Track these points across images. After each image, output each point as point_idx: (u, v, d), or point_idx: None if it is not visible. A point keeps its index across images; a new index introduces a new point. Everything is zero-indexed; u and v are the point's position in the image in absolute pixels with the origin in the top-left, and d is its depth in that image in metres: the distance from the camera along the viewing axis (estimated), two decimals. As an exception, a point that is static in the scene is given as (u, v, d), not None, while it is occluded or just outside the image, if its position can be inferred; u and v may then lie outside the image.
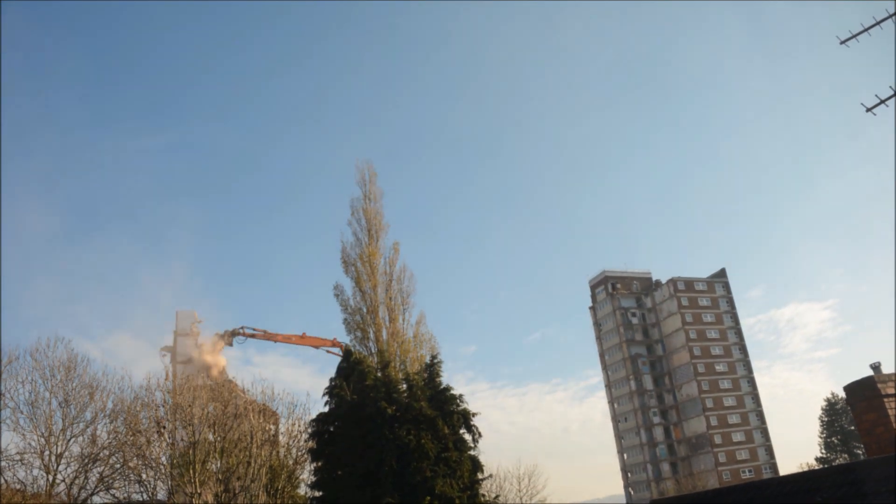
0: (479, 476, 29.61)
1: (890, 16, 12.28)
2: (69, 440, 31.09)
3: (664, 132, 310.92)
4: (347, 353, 31.24)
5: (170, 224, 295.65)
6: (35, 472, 30.40)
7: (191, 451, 29.50)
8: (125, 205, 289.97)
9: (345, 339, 38.43)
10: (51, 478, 30.21)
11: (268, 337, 68.16)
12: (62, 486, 30.71)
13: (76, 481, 31.02)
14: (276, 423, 34.52)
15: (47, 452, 30.29)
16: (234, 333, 67.47)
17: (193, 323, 67.16)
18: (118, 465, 31.67)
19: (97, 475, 31.56)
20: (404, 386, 29.81)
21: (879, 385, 12.01)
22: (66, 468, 31.09)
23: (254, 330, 68.47)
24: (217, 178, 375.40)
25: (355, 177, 39.80)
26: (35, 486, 30.29)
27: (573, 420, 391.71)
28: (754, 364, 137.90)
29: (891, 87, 12.00)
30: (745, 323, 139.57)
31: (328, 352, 67.86)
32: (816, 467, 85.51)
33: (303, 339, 68.41)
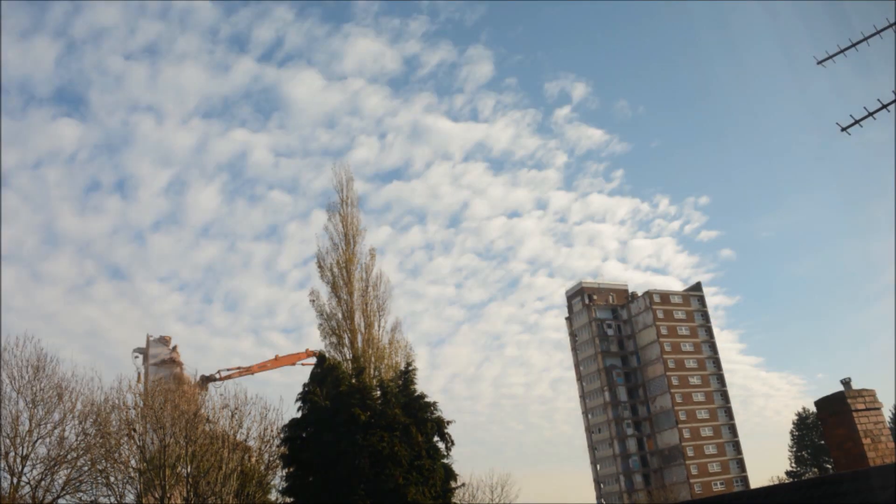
0: (452, 484, 29.58)
1: (866, 38, 12.50)
2: (35, 441, 30.53)
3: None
4: (321, 359, 31.09)
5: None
6: (-2, 473, 29.84)
7: (161, 454, 29.17)
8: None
9: (318, 345, 38.26)
10: (15, 480, 29.65)
11: (245, 372, 66.87)
12: (27, 489, 30.15)
13: (42, 483, 30.47)
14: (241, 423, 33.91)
15: (12, 454, 29.73)
16: (209, 379, 65.22)
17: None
18: (86, 468, 31.19)
19: (64, 477, 31.05)
20: (378, 392, 29.72)
21: (849, 400, 12.18)
22: (31, 470, 30.51)
23: (228, 370, 66.97)
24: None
25: (332, 181, 39.72)
26: (-1, 488, 29.73)
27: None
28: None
29: (865, 107, 12.20)
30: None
31: (303, 364, 67.12)
32: (787, 481, 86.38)
33: (277, 362, 67.51)
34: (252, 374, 66.88)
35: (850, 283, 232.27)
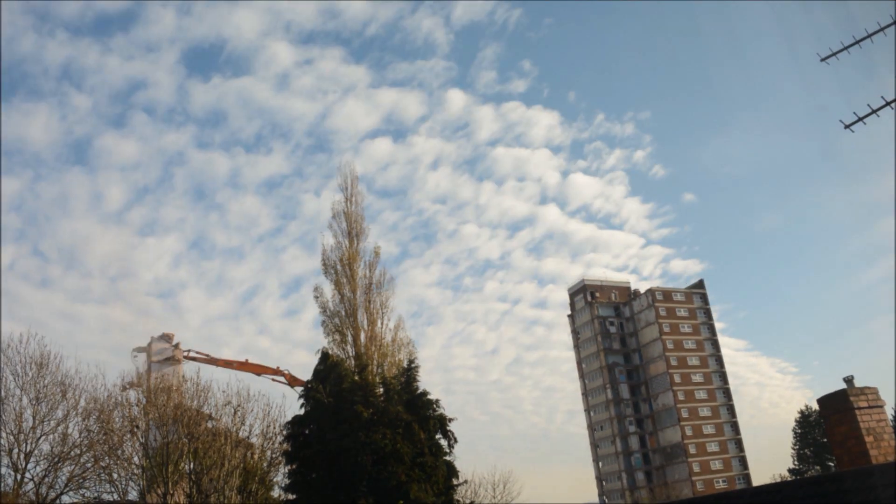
0: (455, 482, 29.64)
1: (869, 35, 12.49)
2: (39, 438, 30.61)
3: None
4: (325, 356, 31.14)
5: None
6: (3, 470, 29.93)
7: (163, 451, 29.24)
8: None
9: (321, 343, 38.39)
10: (19, 476, 29.74)
11: (210, 361, 67.07)
12: (31, 486, 30.25)
13: (45, 480, 30.56)
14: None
15: (16, 451, 29.81)
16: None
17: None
18: (89, 465, 31.25)
19: (67, 474, 31.13)
20: (381, 389, 29.78)
21: (852, 398, 12.17)
22: (35, 467, 30.61)
23: (197, 353, 67.69)
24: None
25: (337, 179, 39.88)
26: (3, 484, 29.79)
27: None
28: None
29: (868, 105, 12.19)
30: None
31: (273, 380, 67.26)
32: (789, 479, 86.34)
33: (244, 366, 67.64)
34: (216, 366, 66.70)
35: (835, 236, 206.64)
